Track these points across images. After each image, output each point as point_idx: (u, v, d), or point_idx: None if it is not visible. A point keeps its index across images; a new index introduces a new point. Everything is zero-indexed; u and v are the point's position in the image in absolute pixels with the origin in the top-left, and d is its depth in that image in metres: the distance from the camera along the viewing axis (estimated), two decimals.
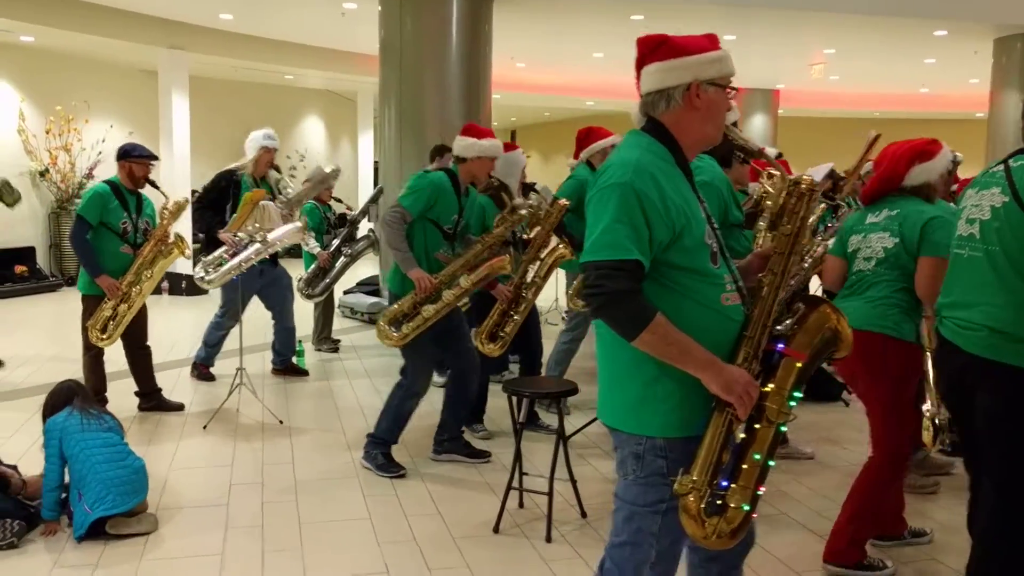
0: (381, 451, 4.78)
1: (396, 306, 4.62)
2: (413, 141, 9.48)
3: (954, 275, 2.98)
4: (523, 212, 4.99)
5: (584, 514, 4.18)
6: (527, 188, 5.73)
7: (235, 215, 6.04)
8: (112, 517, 3.77)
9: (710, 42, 2.31)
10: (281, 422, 5.66)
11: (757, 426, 2.24)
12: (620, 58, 14.61)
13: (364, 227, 8.73)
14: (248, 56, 13.20)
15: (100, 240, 5.44)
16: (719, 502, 2.19)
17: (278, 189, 6.70)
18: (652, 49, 2.31)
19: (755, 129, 19.16)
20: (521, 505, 4.30)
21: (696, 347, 2.16)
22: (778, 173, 4.32)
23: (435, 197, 4.65)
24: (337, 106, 19.39)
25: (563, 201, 5.58)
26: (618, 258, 2.13)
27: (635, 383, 2.26)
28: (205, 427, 5.51)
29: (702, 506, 2.17)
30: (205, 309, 10.07)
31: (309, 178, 7.47)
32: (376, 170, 18.23)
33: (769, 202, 4.23)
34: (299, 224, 6.51)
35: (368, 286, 10.46)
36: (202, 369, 6.87)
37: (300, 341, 7.19)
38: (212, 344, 6.85)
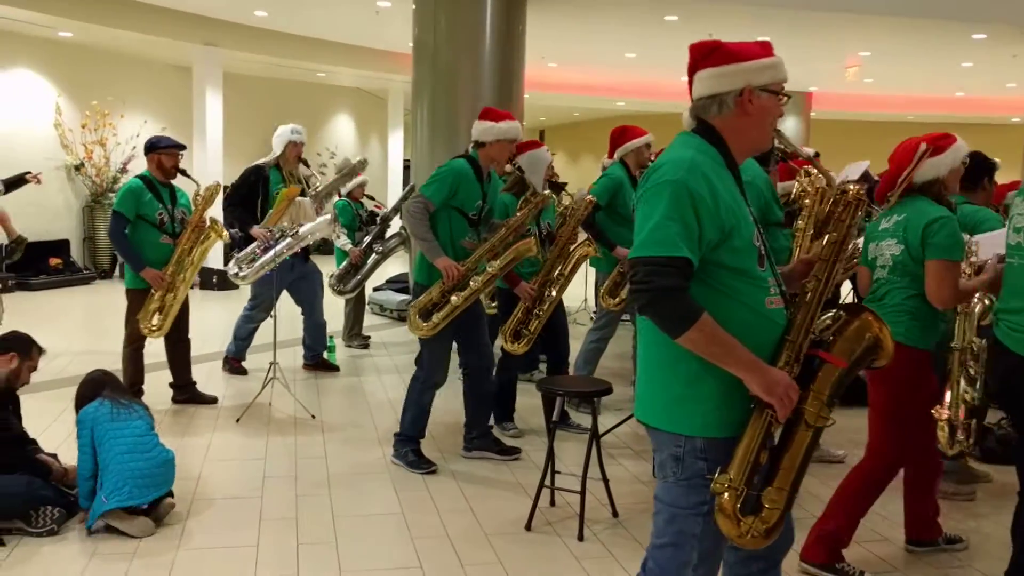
0: (411, 448, 4.80)
1: (425, 296, 4.62)
2: (445, 140, 9.49)
3: (1008, 282, 3.06)
4: (547, 192, 4.98)
5: (616, 513, 4.18)
6: (556, 187, 5.73)
7: (271, 211, 6.08)
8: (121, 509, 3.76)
9: (763, 49, 2.32)
10: (313, 417, 5.70)
11: (795, 429, 2.25)
12: (653, 58, 14.62)
13: (395, 224, 8.74)
14: (281, 53, 13.29)
15: (139, 233, 5.51)
16: (755, 501, 2.20)
17: (307, 184, 6.74)
18: (705, 55, 2.33)
19: (788, 132, 18.92)
20: (553, 503, 4.30)
21: (740, 347, 2.16)
22: (814, 172, 4.33)
23: (457, 184, 4.64)
24: (367, 104, 19.48)
25: (590, 197, 5.59)
26: (668, 254, 2.13)
27: (676, 381, 2.25)
28: (238, 420, 5.55)
29: (738, 505, 2.17)
30: (237, 303, 10.11)
31: (338, 170, 7.50)
32: (406, 168, 18.35)
33: (808, 201, 4.21)
34: (328, 216, 6.55)
35: (397, 283, 10.50)
36: (234, 363, 6.92)
37: (331, 337, 7.24)
38: (243, 337, 6.90)
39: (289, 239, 6.12)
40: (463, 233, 4.72)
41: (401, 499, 4.34)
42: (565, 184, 5.94)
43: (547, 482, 4.13)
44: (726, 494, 2.17)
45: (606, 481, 4.18)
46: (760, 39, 2.38)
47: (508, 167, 5.28)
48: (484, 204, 4.80)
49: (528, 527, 4.01)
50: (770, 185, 4.14)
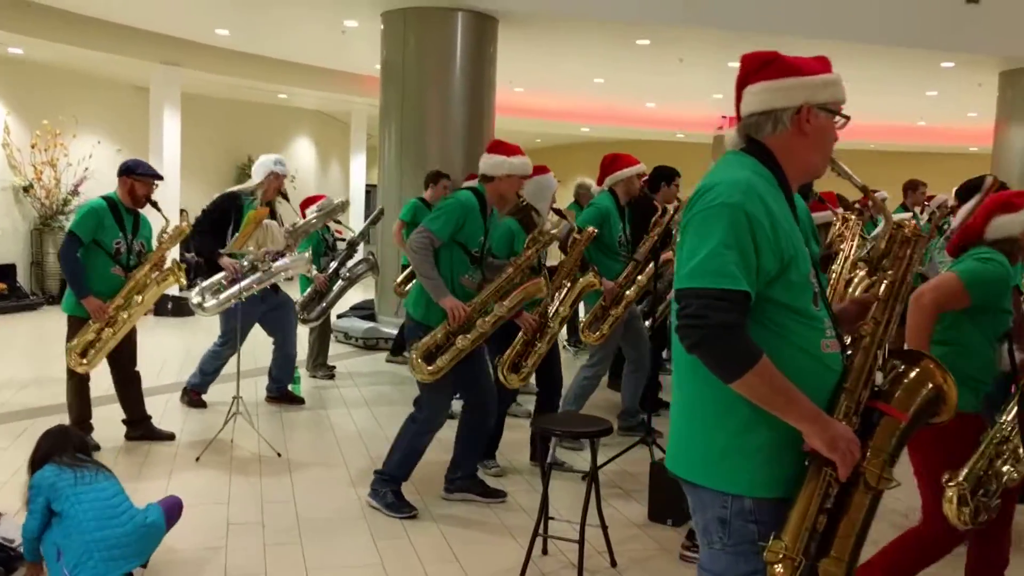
0: (391, 488, 4.45)
1: (429, 338, 4.31)
2: (413, 163, 9.25)
3: None
4: (554, 232, 4.72)
5: (614, 563, 3.87)
6: (558, 213, 5.46)
7: (237, 234, 5.73)
8: None
9: (822, 64, 2.09)
10: (279, 455, 5.32)
11: (853, 490, 1.97)
12: (622, 83, 14.51)
13: (362, 250, 8.42)
14: (242, 73, 12.94)
15: (90, 259, 5.12)
16: (811, 573, 1.92)
17: (280, 220, 6.42)
18: (759, 67, 2.08)
19: None
20: (545, 552, 3.98)
21: (801, 396, 1.89)
22: (852, 218, 4.09)
23: (464, 219, 4.37)
24: (328, 127, 19.15)
25: (592, 229, 5.34)
26: (725, 287, 1.86)
27: (722, 431, 1.97)
28: (198, 459, 5.16)
29: None
30: (193, 331, 9.74)
31: (320, 208, 7.20)
32: (368, 193, 18.02)
33: (844, 245, 3.97)
34: (307, 255, 6.23)
35: (362, 310, 10.14)
36: (193, 395, 6.52)
37: (297, 368, 6.87)
38: (209, 372, 6.51)
39: (260, 274, 5.80)
40: (464, 270, 4.44)
41: (380, 548, 3.99)
42: (560, 211, 5.68)
43: (540, 530, 3.81)
44: (780, 565, 1.89)
45: (604, 528, 3.87)
46: (769, 58, 2.13)
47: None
48: (486, 241, 4.52)
49: None
50: (809, 218, 3.86)
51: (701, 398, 2.00)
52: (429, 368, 4.30)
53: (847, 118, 2.10)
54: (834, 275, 3.91)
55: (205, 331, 9.68)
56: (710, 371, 1.90)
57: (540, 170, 5.27)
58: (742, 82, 2.11)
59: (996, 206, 3.30)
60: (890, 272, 2.17)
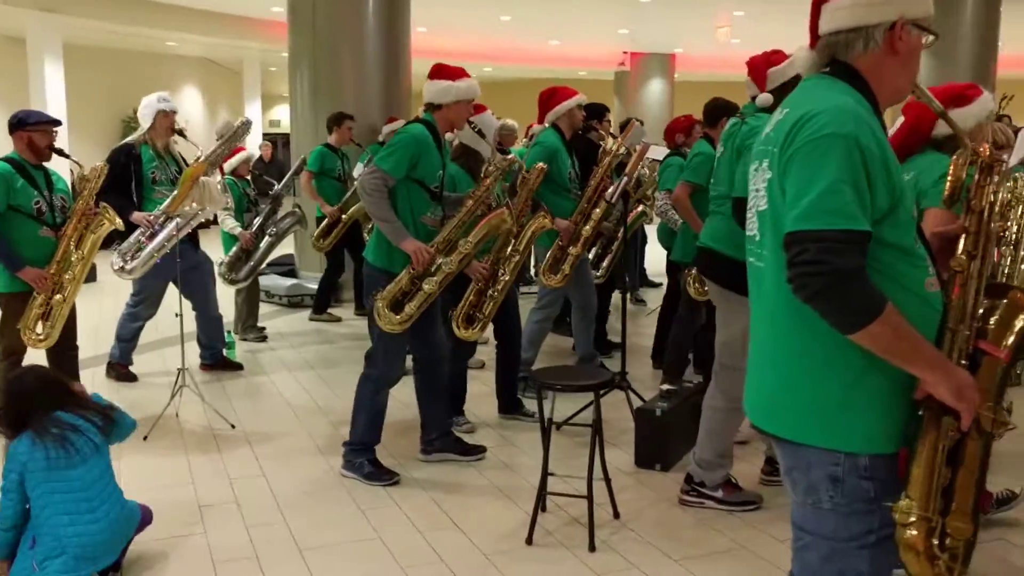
0: (366, 458, 4.21)
1: (394, 284, 4.03)
2: (329, 110, 8.74)
3: None
4: (510, 158, 4.49)
5: (617, 514, 3.75)
6: (502, 152, 5.22)
7: (174, 194, 5.30)
8: None
9: None
10: (233, 427, 5.00)
11: (966, 439, 1.84)
12: (529, 20, 14.20)
13: (287, 204, 8.00)
14: (129, 20, 12.09)
15: (13, 227, 4.63)
16: (942, 532, 1.80)
17: (182, 159, 5.97)
18: None
19: (653, 94, 19.10)
20: (543, 509, 3.83)
21: (925, 342, 1.76)
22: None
23: (418, 153, 4.04)
24: (216, 76, 18.26)
25: (541, 165, 5.11)
26: (846, 227, 1.69)
27: (833, 384, 1.82)
28: (146, 438, 4.78)
29: (934, 539, 1.77)
30: (103, 296, 9.14)
31: (219, 135, 6.69)
32: (273, 144, 17.29)
33: None
34: (215, 181, 5.78)
35: (282, 266, 9.67)
36: (120, 369, 6.08)
37: (229, 332, 6.50)
38: (127, 339, 6.07)
39: (176, 219, 5.35)
40: (424, 208, 4.14)
41: (371, 520, 3.76)
42: (507, 150, 5.46)
43: (542, 488, 3.64)
44: (914, 527, 1.76)
45: (608, 480, 3.73)
46: None
47: (449, 135, 4.69)
48: (444, 174, 4.24)
49: (529, 541, 3.53)
50: None
51: (806, 349, 1.84)
52: (398, 317, 4.04)
53: (936, 35, 1.94)
54: None
55: (112, 294, 9.13)
56: (828, 322, 1.73)
57: (478, 109, 5.00)
58: None
59: (947, 99, 3.21)
60: (975, 201, 2.03)
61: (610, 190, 5.36)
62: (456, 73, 4.19)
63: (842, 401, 1.81)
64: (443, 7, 12.56)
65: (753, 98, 3.70)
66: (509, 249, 4.82)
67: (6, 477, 3.02)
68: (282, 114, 25.06)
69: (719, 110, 5.37)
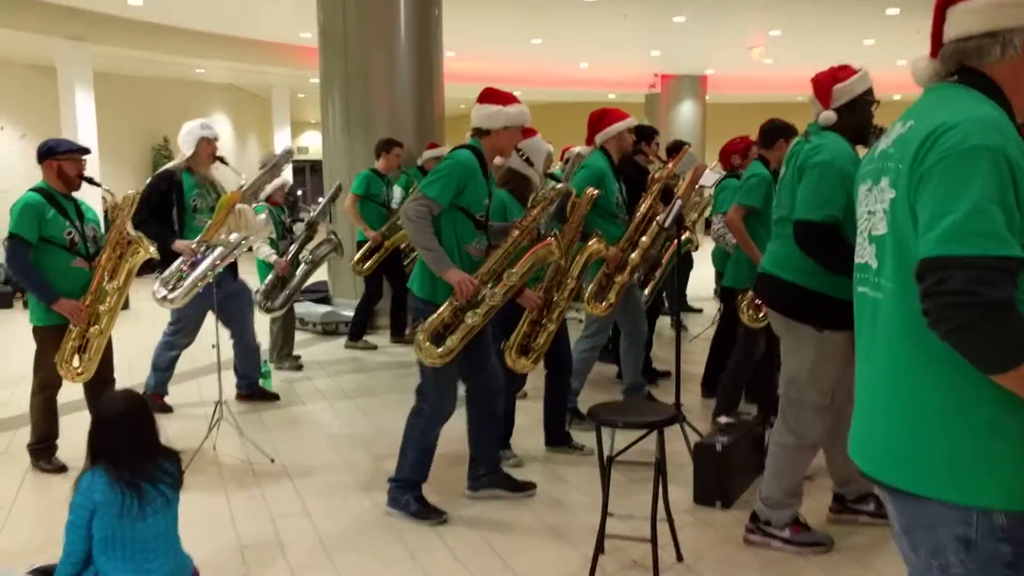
0: (412, 495, 4.03)
1: (436, 316, 3.86)
2: (362, 134, 8.71)
3: None
4: (560, 187, 4.32)
5: (680, 556, 3.55)
6: (552, 179, 5.05)
7: (209, 223, 5.18)
8: None
9: None
10: (272, 461, 4.85)
11: None
12: (560, 43, 14.11)
13: (323, 231, 7.89)
14: (157, 47, 12.10)
15: (45, 259, 4.52)
16: None
17: (221, 188, 5.86)
18: None
19: (684, 116, 18.93)
20: (602, 551, 3.62)
21: None
22: None
23: (465, 180, 3.88)
24: (245, 102, 18.31)
25: (592, 190, 4.95)
26: (997, 252, 1.50)
27: (965, 431, 1.62)
28: (183, 472, 4.63)
29: None
30: (137, 324, 9.05)
31: (262, 164, 6.62)
32: (298, 171, 17.29)
33: None
34: (263, 216, 5.66)
35: (315, 293, 9.57)
36: (156, 399, 5.94)
37: (265, 361, 6.36)
38: (163, 368, 5.95)
39: (220, 248, 5.24)
40: (469, 237, 3.98)
41: (421, 562, 3.57)
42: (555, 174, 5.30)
43: (602, 531, 3.44)
44: None
45: (671, 521, 3.53)
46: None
47: (498, 160, 4.54)
48: (491, 203, 4.08)
49: None
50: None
51: (935, 390, 1.65)
52: (439, 351, 3.87)
53: None
54: None
55: (147, 322, 9.05)
56: (970, 359, 1.54)
57: (528, 133, 4.83)
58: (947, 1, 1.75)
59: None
60: None
61: (660, 216, 5.21)
62: (506, 98, 4.04)
63: (976, 450, 1.62)
64: (473, 30, 12.50)
65: (817, 116, 3.51)
66: (562, 277, 4.66)
67: (76, 511, 2.83)
68: (310, 140, 25.16)
69: (776, 131, 5.19)
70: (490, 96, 4.03)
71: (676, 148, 7.70)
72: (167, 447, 3.02)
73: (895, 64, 16.74)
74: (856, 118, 3.42)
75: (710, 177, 6.51)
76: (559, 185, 4.51)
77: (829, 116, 3.40)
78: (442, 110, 9.17)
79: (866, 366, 1.82)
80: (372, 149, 8.01)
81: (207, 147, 5.65)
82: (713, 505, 4.07)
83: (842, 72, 3.45)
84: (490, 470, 4.26)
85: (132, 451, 2.89)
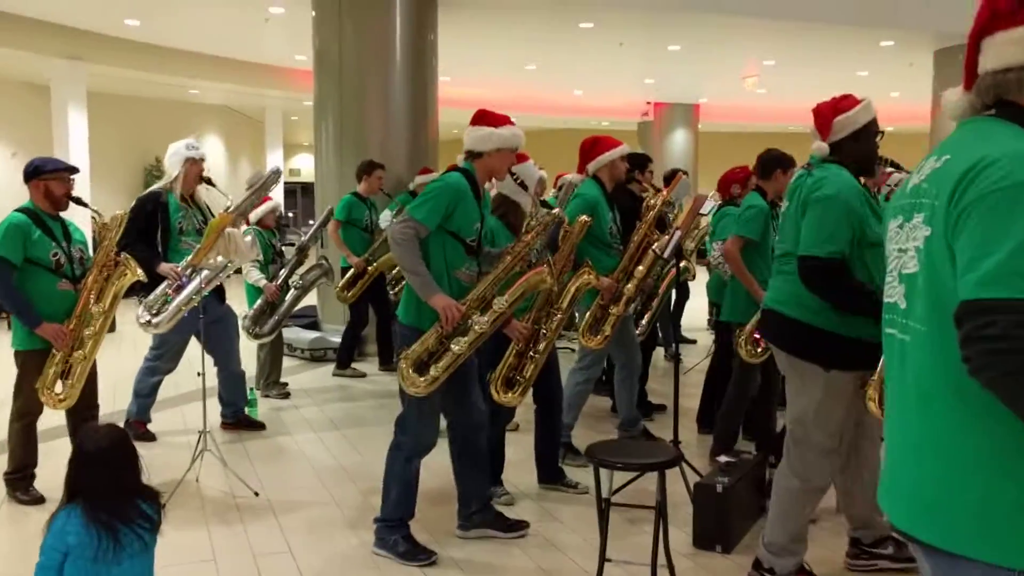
0: (400, 535, 3.88)
1: (419, 344, 3.73)
2: (354, 158, 8.58)
3: None
4: (555, 212, 4.22)
5: None
6: (544, 206, 4.95)
7: (198, 246, 5.06)
8: None
9: None
10: (257, 494, 4.69)
11: None
12: (555, 69, 14.09)
13: (313, 255, 7.76)
14: (152, 68, 12.02)
15: (31, 281, 4.38)
16: None
17: (209, 210, 5.74)
18: (1016, 8, 1.60)
19: (676, 144, 18.93)
20: None
21: None
22: None
23: (454, 203, 3.76)
24: (238, 124, 18.23)
25: (585, 218, 4.84)
26: None
27: (1006, 484, 1.50)
28: (164, 505, 4.47)
29: None
30: (122, 348, 8.90)
31: (249, 185, 6.51)
32: (289, 193, 17.20)
33: None
34: (248, 239, 5.53)
35: (304, 318, 9.43)
36: (138, 427, 5.78)
37: (251, 389, 6.21)
38: (145, 394, 5.80)
39: (206, 271, 5.11)
40: (459, 263, 3.85)
41: None
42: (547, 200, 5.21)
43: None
44: None
45: (672, 568, 3.39)
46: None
47: (487, 185, 4.42)
48: (483, 227, 3.96)
49: None
50: (866, 197, 3.41)
51: (972, 440, 1.54)
52: (422, 379, 3.73)
53: None
54: None
55: (132, 346, 8.89)
56: (1013, 407, 1.43)
57: (520, 158, 4.72)
58: (986, 28, 1.64)
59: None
60: None
61: (656, 244, 5.10)
62: (499, 120, 3.93)
63: (1018, 505, 1.50)
64: (467, 56, 12.46)
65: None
66: (551, 307, 4.54)
67: (47, 553, 2.66)
68: (302, 163, 25.09)
69: (773, 162, 5.11)
70: (482, 118, 3.93)
71: (671, 177, 7.63)
72: (149, 487, 2.87)
73: (888, 96, 16.79)
74: (860, 149, 3.33)
75: (706, 205, 6.44)
76: (555, 210, 4.39)
77: (822, 148, 3.32)
78: (436, 135, 9.10)
79: (895, 411, 1.71)
80: None
81: (193, 168, 5.53)
82: (713, 549, 3.93)
83: (844, 102, 3.36)
84: (481, 508, 4.11)
85: (112, 491, 2.73)
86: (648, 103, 18.69)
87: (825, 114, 3.37)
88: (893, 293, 1.72)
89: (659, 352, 8.26)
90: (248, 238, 5.79)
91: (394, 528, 3.89)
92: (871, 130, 3.34)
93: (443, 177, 3.87)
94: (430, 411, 3.88)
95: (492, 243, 4.27)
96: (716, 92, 17.11)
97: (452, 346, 3.73)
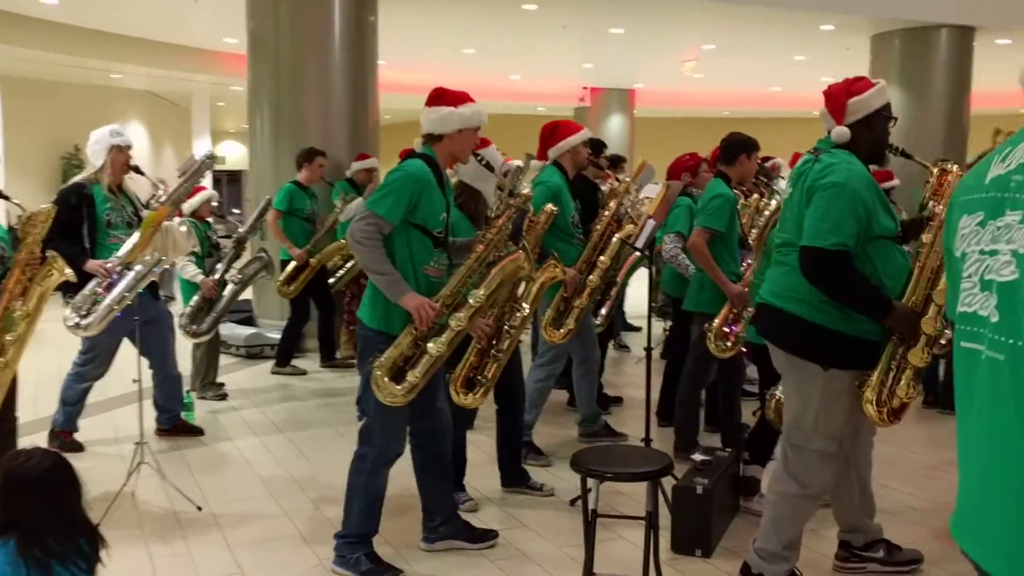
0: (363, 552, 3.59)
1: (393, 349, 3.43)
2: (292, 146, 8.22)
3: None
4: (527, 191, 3.96)
5: None
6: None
7: (135, 242, 4.68)
8: None
9: None
10: (200, 509, 4.35)
11: None
12: (494, 53, 13.77)
13: (252, 247, 7.38)
14: (71, 50, 11.39)
15: None
16: None
17: (140, 202, 5.34)
18: None
19: (613, 130, 18.82)
20: None
21: None
22: (953, 171, 3.49)
23: (418, 193, 3.45)
24: (161, 110, 17.54)
25: (551, 207, 4.60)
26: None
27: None
28: (98, 524, 4.11)
29: None
30: (43, 350, 8.35)
31: (181, 171, 6.10)
32: (217, 181, 16.60)
33: (941, 207, 3.33)
34: (184, 229, 5.17)
35: (239, 313, 8.99)
36: (64, 437, 5.36)
37: (188, 392, 5.84)
38: (73, 402, 5.37)
39: (138, 267, 4.74)
40: (426, 257, 3.54)
41: None
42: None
43: None
44: None
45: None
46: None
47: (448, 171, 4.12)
48: (449, 216, 3.66)
49: None
50: (875, 188, 3.19)
51: None
52: (399, 388, 3.44)
53: None
54: (924, 248, 3.25)
55: (55, 348, 8.36)
56: None
57: (481, 144, 4.43)
58: None
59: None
60: None
61: (622, 233, 4.93)
62: (459, 98, 3.61)
63: None
64: (406, 38, 12.10)
65: (829, 132, 3.21)
66: (515, 303, 4.27)
67: None
68: (228, 150, 24.36)
69: (737, 146, 4.93)
70: (440, 97, 3.61)
71: (614, 162, 7.45)
72: (89, 522, 2.54)
73: (819, 80, 16.90)
74: (871, 135, 3.15)
75: (651, 189, 6.26)
76: (525, 191, 4.11)
77: (843, 132, 3.11)
78: (377, 120, 8.77)
79: (982, 439, 1.48)
80: None
81: (119, 156, 5.13)
82: (693, 554, 3.74)
83: (857, 85, 3.17)
84: (447, 519, 3.85)
85: (50, 525, 2.41)
86: (585, 88, 18.53)
87: (838, 96, 3.18)
88: (974, 302, 1.49)
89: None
90: (184, 228, 5.43)
91: (356, 545, 3.61)
92: (884, 115, 3.17)
93: (402, 166, 3.56)
94: (398, 422, 3.61)
95: (454, 235, 3.99)
96: (652, 77, 17.02)
97: (429, 348, 3.45)
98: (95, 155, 5.11)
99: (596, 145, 6.47)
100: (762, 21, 11.30)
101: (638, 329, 9.46)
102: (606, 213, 5.24)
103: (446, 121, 3.57)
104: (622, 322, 9.08)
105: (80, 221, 4.98)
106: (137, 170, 5.26)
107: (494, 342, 4.16)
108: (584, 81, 17.86)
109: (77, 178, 5.25)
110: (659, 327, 8.64)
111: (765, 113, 20.98)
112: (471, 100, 3.66)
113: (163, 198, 5.27)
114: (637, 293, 9.16)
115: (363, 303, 3.62)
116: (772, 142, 9.37)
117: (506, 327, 4.18)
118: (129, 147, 5.22)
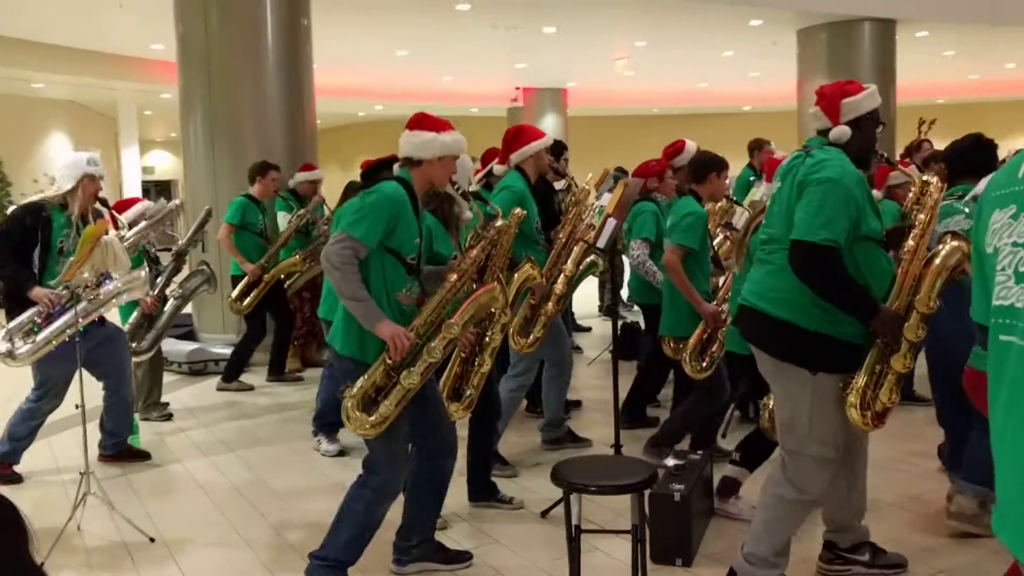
0: None
1: (366, 380, 3.30)
2: (227, 155, 8.02)
3: None
4: (500, 224, 3.86)
5: None
6: (476, 197, 4.54)
7: (71, 259, 4.44)
8: None
9: None
10: (152, 540, 4.13)
11: None
12: (428, 55, 13.62)
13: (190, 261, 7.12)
14: None
15: None
16: None
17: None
18: None
19: (547, 130, 18.75)
20: None
21: None
22: (934, 182, 3.45)
23: (395, 217, 3.34)
24: (87, 120, 16.97)
25: (520, 211, 4.49)
26: None
27: None
28: (43, 563, 3.88)
29: None
30: None
31: (149, 216, 5.94)
32: (146, 191, 16.12)
33: (923, 216, 3.30)
34: (142, 274, 4.94)
35: (178, 328, 8.70)
36: (4, 468, 5.09)
37: (135, 415, 5.58)
38: (21, 437, 5.06)
39: (85, 304, 4.52)
40: (400, 284, 3.41)
41: None
42: (478, 192, 4.84)
43: None
44: None
45: None
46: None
47: None
48: (422, 243, 3.53)
49: None
50: (866, 188, 3.16)
51: None
52: (371, 419, 3.31)
53: None
54: (908, 254, 3.24)
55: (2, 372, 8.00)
56: None
57: None
58: None
59: None
60: None
61: (585, 235, 4.88)
62: (440, 125, 3.51)
63: None
64: (337, 41, 11.88)
65: (819, 131, 3.19)
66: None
67: None
68: (155, 160, 23.74)
69: (707, 165, 4.91)
70: (421, 122, 3.51)
71: (556, 152, 7.38)
72: (35, 567, 2.35)
73: (747, 76, 17.10)
74: (860, 137, 3.14)
75: (606, 197, 6.21)
76: (499, 223, 4.02)
77: (844, 131, 3.10)
78: (314, 127, 8.55)
79: (1016, 429, 1.42)
80: (239, 169, 7.38)
81: (91, 185, 4.88)
82: (674, 563, 3.65)
83: (849, 87, 3.17)
84: (423, 540, 3.72)
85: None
86: (517, 88, 18.49)
87: (832, 96, 3.17)
88: (1010, 295, 1.44)
89: None
90: (124, 243, 5.21)
91: (333, 570, 3.45)
92: (873, 119, 3.17)
93: (379, 188, 3.41)
94: (400, 451, 3.48)
95: (431, 244, 3.86)
96: (584, 76, 17.05)
97: (402, 379, 3.32)
98: (64, 179, 4.85)
99: (557, 148, 6.40)
100: (694, 16, 11.39)
101: (588, 329, 9.42)
102: (569, 218, 5.17)
103: (427, 147, 3.47)
104: (572, 323, 9.02)
105: (33, 244, 4.74)
106: (104, 203, 5.04)
107: (476, 351, 4.06)
108: (517, 81, 17.82)
109: (36, 197, 5.00)
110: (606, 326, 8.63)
111: (693, 109, 21.22)
112: (452, 128, 3.57)
113: (128, 238, 5.11)
114: (587, 293, 9.15)
115: (335, 329, 3.48)
116: (700, 137, 9.41)
117: (486, 336, 4.06)
118: (102, 177, 4.98)
